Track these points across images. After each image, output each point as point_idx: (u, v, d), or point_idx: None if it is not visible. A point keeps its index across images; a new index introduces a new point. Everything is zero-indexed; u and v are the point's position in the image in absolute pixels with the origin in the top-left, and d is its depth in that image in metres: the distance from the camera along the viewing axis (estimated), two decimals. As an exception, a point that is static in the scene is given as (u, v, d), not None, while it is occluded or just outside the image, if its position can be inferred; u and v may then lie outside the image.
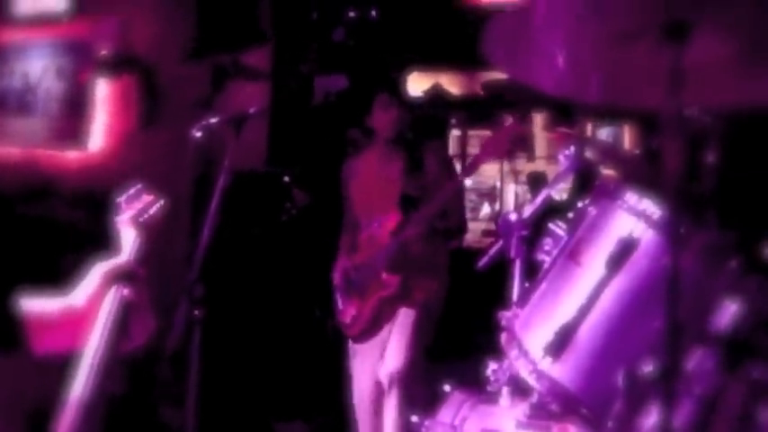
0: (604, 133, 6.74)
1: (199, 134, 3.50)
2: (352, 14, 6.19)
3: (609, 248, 2.12)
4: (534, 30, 2.06)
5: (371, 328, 4.49)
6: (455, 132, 8.08)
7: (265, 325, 5.31)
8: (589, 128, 6.88)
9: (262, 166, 5.68)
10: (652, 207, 2.12)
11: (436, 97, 7.02)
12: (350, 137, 5.70)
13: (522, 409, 2.45)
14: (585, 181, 2.54)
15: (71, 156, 5.27)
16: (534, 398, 2.39)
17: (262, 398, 5.22)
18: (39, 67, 5.37)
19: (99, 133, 5.26)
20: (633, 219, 2.13)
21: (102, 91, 5.29)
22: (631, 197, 2.18)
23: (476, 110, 7.33)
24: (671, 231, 1.82)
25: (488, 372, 2.54)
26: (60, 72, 5.26)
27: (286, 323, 5.34)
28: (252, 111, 3.79)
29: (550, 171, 8.05)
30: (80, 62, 5.25)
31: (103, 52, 5.16)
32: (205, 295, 3.17)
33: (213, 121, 3.55)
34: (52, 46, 5.16)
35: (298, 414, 5.35)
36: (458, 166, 7.55)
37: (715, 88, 1.96)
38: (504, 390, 2.55)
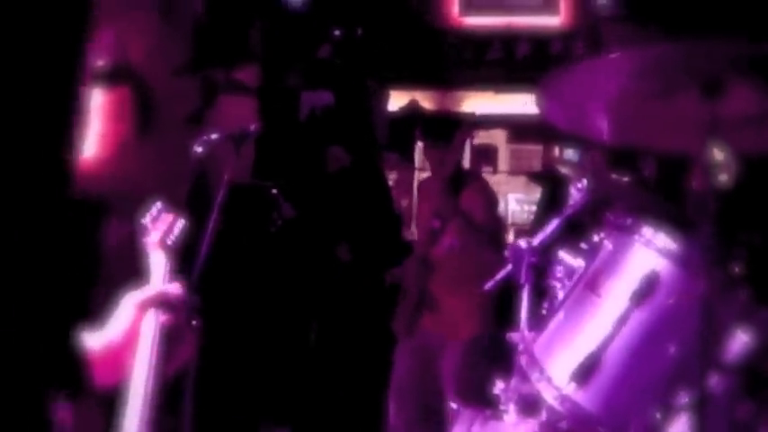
0: (569, 154, 6.93)
1: (200, 149, 3.57)
2: (337, 33, 6.30)
3: (628, 281, 2.27)
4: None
5: None
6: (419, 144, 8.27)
7: (255, 331, 5.39)
8: (556, 149, 7.12)
9: (248, 178, 5.75)
10: (668, 241, 2.28)
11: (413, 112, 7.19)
12: (330, 154, 5.82)
13: (531, 427, 2.58)
14: (553, 201, 2.68)
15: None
16: (543, 416, 2.53)
17: (251, 402, 5.30)
18: (32, 75, 5.35)
19: (92, 141, 5.29)
20: (652, 253, 2.29)
21: (97, 100, 5.32)
22: (647, 231, 2.33)
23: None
24: (701, 261, 1.98)
25: (497, 390, 2.66)
26: (55, 81, 5.26)
27: (275, 330, 5.43)
28: (252, 128, 3.90)
29: (513, 184, 8.24)
30: (75, 71, 5.27)
31: (99, 63, 5.19)
32: (202, 306, 3.25)
33: (214, 136, 3.62)
34: (47, 55, 5.15)
35: (286, 419, 5.43)
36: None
37: (742, 137, 2.13)
38: (512, 407, 2.67)
